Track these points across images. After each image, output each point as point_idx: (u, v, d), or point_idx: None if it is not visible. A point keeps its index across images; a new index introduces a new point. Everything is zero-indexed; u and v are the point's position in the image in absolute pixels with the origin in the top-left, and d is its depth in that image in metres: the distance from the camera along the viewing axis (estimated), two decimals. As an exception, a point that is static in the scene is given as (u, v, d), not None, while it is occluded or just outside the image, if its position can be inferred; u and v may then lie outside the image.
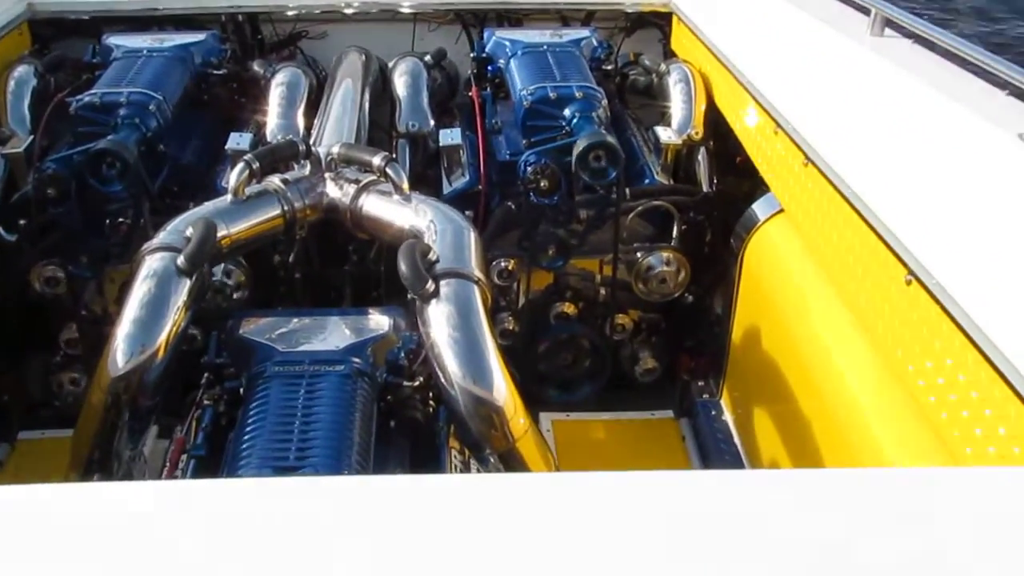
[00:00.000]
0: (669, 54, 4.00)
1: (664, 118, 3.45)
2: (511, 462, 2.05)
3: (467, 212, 2.81)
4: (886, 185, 2.29)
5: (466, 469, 2.23)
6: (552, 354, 3.25)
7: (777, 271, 2.81)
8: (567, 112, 3.09)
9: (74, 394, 3.25)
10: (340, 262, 3.01)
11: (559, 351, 3.26)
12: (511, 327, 3.16)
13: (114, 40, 3.63)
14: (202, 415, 2.18)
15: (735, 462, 2.96)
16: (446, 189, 3.11)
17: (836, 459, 2.34)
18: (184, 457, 2.07)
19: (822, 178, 2.51)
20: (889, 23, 2.71)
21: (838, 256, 2.43)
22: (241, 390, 2.12)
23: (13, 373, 3.31)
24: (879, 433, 2.19)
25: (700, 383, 3.29)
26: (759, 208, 2.95)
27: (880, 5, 2.73)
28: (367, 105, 3.30)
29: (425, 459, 2.17)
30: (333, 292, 3.05)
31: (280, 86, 3.33)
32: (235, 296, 2.94)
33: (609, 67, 3.65)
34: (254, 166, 2.37)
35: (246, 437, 1.92)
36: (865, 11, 2.80)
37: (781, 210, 2.85)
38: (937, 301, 1.86)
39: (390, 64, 3.63)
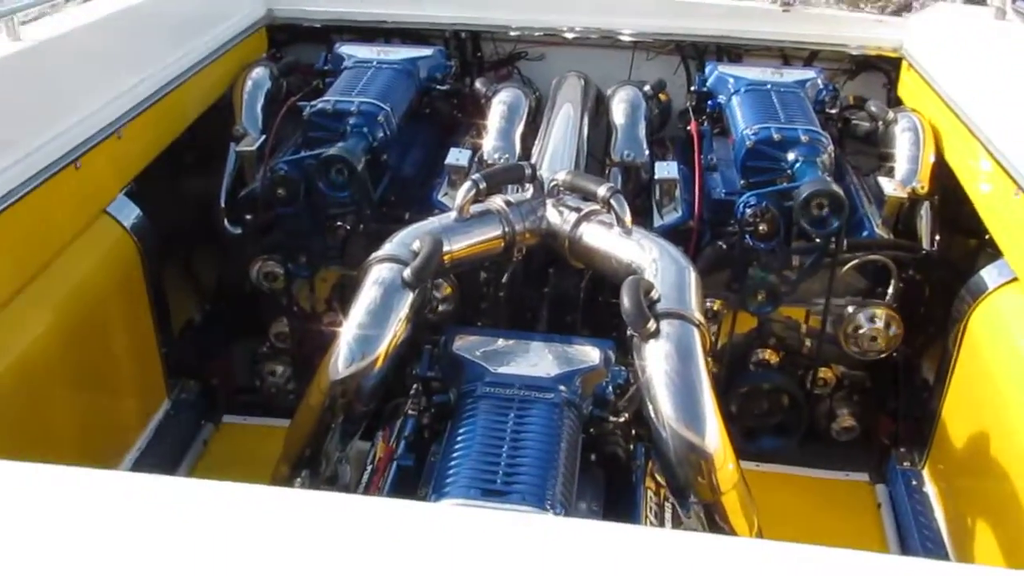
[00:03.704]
0: (894, 100, 3.83)
1: (884, 168, 3.31)
2: (713, 515, 1.96)
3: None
4: None
5: (660, 511, 2.18)
6: (748, 401, 3.16)
7: (1006, 344, 2.62)
8: (790, 155, 2.99)
9: (276, 385, 3.39)
10: (539, 283, 3.01)
11: (756, 399, 3.16)
12: (709, 368, 3.08)
13: (345, 49, 3.77)
14: (404, 424, 2.22)
15: (935, 540, 2.79)
16: (656, 222, 3.06)
17: None
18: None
19: None
20: None
21: None
22: (449, 405, 2.15)
23: (223, 358, 3.49)
24: None
25: (902, 450, 3.12)
26: (989, 274, 2.76)
27: None
28: (586, 131, 3.31)
29: (619, 495, 2.13)
30: (529, 313, 3.05)
31: (501, 104, 3.37)
32: (440, 308, 2.99)
33: (833, 111, 3.51)
34: (481, 186, 2.39)
35: (455, 456, 1.93)
36: None
37: (1015, 278, 2.66)
38: None
39: (608, 91, 3.63)
